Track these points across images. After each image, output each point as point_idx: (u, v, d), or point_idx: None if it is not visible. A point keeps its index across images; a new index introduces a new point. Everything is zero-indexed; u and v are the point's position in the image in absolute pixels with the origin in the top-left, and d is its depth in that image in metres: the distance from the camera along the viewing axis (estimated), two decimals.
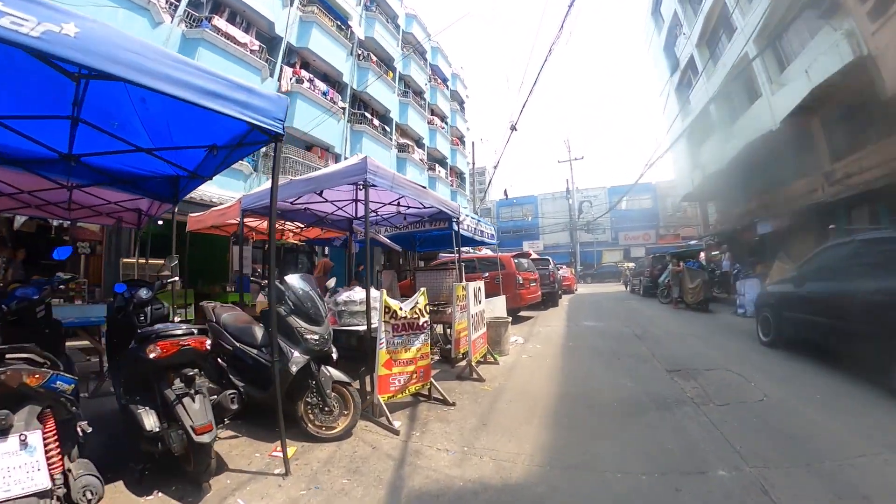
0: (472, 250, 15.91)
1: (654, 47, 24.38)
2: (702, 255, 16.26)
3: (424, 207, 5.75)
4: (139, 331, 3.13)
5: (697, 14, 18.64)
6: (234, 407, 3.02)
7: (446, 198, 6.66)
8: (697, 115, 18.88)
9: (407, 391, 4.19)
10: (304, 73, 16.03)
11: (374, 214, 6.44)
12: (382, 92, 20.39)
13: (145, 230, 6.50)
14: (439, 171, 25.24)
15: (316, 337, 3.63)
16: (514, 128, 11.64)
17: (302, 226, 7.73)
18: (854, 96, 11.51)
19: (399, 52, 22.80)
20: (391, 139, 20.48)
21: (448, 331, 6.29)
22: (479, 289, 5.81)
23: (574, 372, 5.57)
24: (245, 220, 6.87)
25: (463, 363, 5.35)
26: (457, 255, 6.22)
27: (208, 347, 3.02)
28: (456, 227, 6.17)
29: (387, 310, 3.96)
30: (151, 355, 2.77)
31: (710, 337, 7.72)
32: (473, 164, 24.75)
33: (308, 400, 3.55)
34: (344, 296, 4.61)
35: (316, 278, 7.35)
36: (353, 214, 6.60)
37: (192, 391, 2.76)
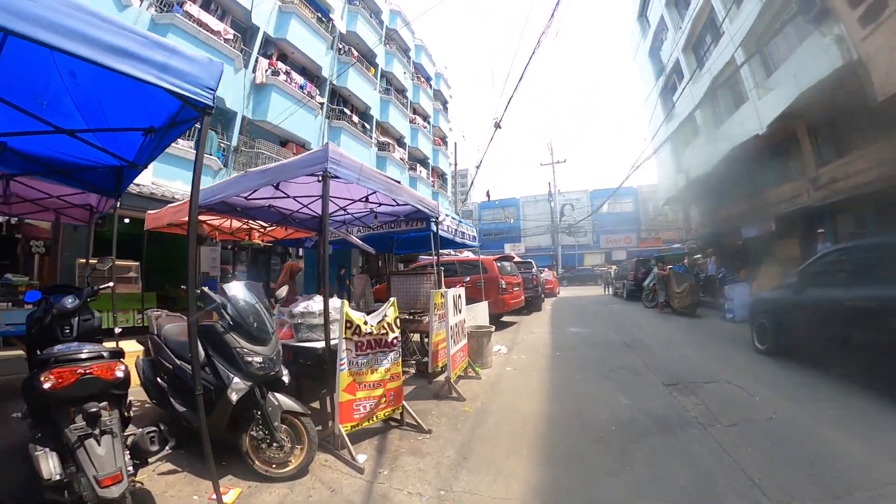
0: (453, 253, 15.42)
1: (639, 52, 24.29)
2: (685, 259, 16.03)
3: (398, 205, 5.18)
4: (38, 353, 2.54)
5: (684, 19, 18.57)
6: (156, 448, 2.44)
7: (424, 195, 6.09)
8: (682, 120, 18.80)
9: (375, 417, 3.61)
10: (280, 65, 15.28)
11: (343, 212, 5.83)
12: (363, 88, 19.73)
13: (106, 228, 5.76)
14: (420, 171, 24.65)
15: (259, 359, 3.04)
16: (498, 125, 11.19)
17: (266, 225, 7.06)
18: (841, 102, 11.48)
19: (382, 48, 22.16)
20: (371, 137, 19.84)
21: (426, 341, 5.73)
22: (460, 296, 5.26)
23: (564, 387, 5.06)
24: (202, 217, 6.23)
25: (441, 378, 4.80)
26: (435, 257, 5.65)
27: (119, 375, 2.41)
28: (434, 228, 5.60)
29: (349, 325, 3.38)
30: (46, 385, 2.18)
31: (702, 345, 7.34)
32: (455, 164, 24.25)
33: (254, 433, 2.96)
34: (301, 306, 3.99)
35: (281, 283, 6.75)
36: (321, 212, 5.98)
37: (97, 431, 2.19)
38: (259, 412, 2.94)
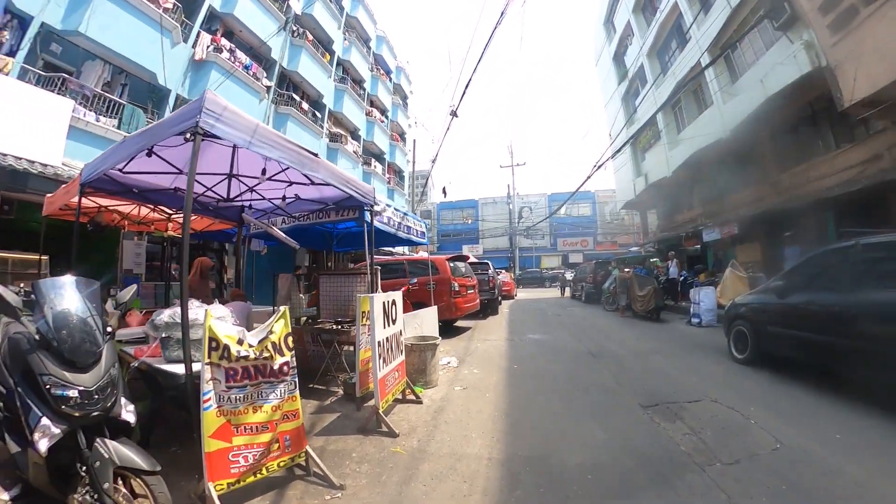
0: (407, 251, 14.34)
1: (603, 57, 24.12)
2: (645, 262, 15.69)
3: (314, 184, 4.08)
4: None
5: (651, 24, 18.48)
6: None
7: (354, 176, 5.02)
8: (643, 125, 18.68)
9: (264, 470, 2.53)
10: (225, 42, 13.72)
11: (259, 198, 4.68)
12: (316, 75, 18.34)
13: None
14: (375, 167, 23.36)
15: (74, 393, 1.95)
16: (454, 114, 10.25)
17: (169, 211, 5.77)
18: (805, 107, 11.49)
19: (340, 35, 20.80)
20: (322, 127, 18.43)
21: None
22: (394, 302, 4.20)
23: (525, 415, 4.10)
24: (94, 198, 4.87)
25: (371, 402, 3.73)
26: (368, 256, 4.57)
27: None
28: (369, 218, 4.54)
29: (214, 344, 2.28)
30: None
31: (674, 354, 6.64)
32: (414, 161, 23.09)
33: (79, 498, 1.93)
34: (166, 315, 2.85)
35: (192, 285, 5.44)
36: (226, 195, 4.77)
37: None
38: (84, 467, 1.89)
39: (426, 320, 6.07)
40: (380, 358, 3.61)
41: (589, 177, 19.65)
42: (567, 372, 5.60)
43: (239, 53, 14.30)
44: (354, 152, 20.52)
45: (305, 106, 17.47)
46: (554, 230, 42.38)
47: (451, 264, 8.82)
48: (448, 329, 8.87)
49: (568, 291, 21.74)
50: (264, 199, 4.95)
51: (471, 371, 5.78)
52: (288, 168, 3.66)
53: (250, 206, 5.88)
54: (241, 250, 6.60)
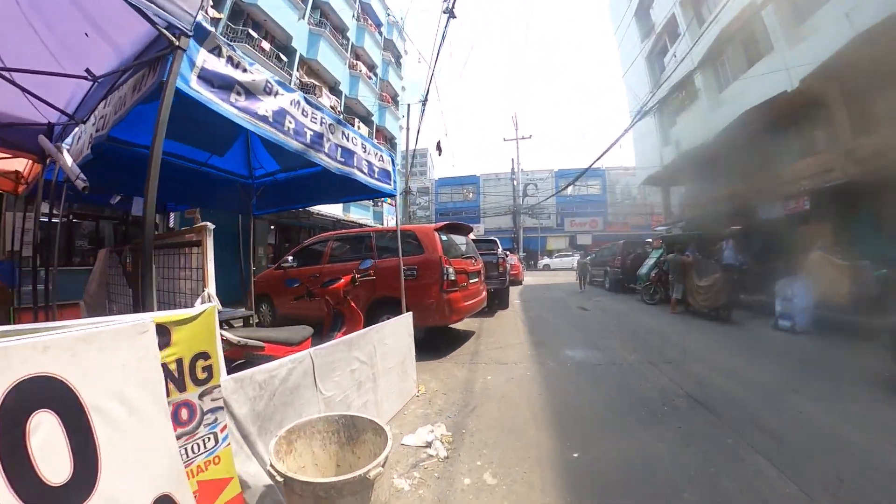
0: (375, 206, 11.15)
1: (624, 18, 20.58)
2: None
3: None
4: None
5: None
6: None
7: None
8: (674, 86, 15.58)
9: None
10: None
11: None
12: (284, 13, 15.03)
13: None
14: (359, 128, 20.03)
15: None
16: (450, 12, 7.11)
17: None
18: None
19: None
20: (291, 74, 15.16)
21: None
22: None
23: None
24: None
25: None
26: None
27: None
28: (235, 113, 1.77)
29: None
30: None
31: (820, 392, 3.67)
32: (408, 128, 19.52)
33: None
34: None
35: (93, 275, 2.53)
36: None
37: None
38: None
39: (390, 351, 3.04)
40: None
41: (606, 151, 16.65)
42: (677, 463, 2.59)
43: None
44: (332, 108, 17.19)
45: (266, 46, 14.16)
46: (560, 209, 39.28)
47: (443, 237, 5.66)
48: (436, 338, 5.85)
49: (587, 278, 18.45)
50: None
51: (478, 477, 2.54)
52: None
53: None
54: (59, 203, 3.52)
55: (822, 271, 7.52)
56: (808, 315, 7.10)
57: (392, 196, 3.75)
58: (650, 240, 13.60)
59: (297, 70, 16.04)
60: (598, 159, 16.86)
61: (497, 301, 9.43)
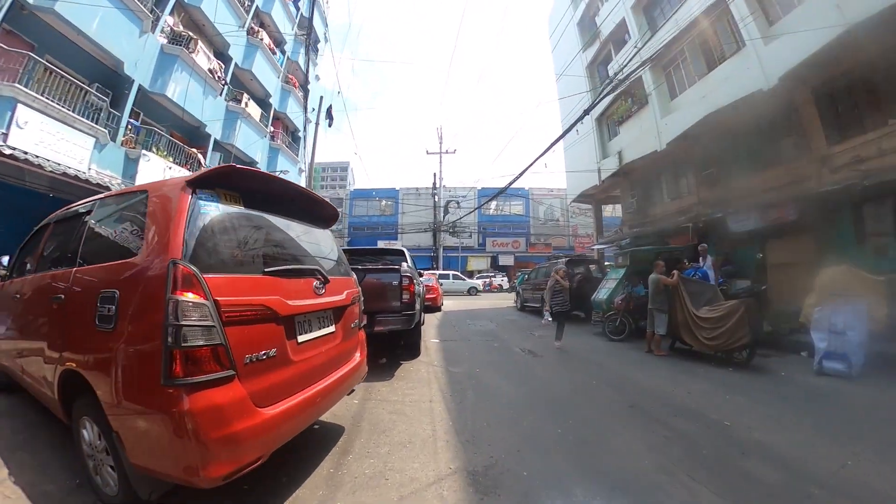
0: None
1: (564, 31, 19.12)
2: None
3: None
4: None
5: None
6: None
7: None
8: (618, 93, 14.14)
9: None
10: None
11: None
12: None
13: None
14: (248, 105, 15.90)
15: None
16: None
17: None
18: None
19: None
20: (158, 17, 11.13)
21: None
22: None
23: None
24: None
25: None
26: None
27: None
28: None
29: None
30: None
31: None
32: (319, 109, 15.68)
33: None
34: None
35: None
36: None
37: None
38: None
39: None
40: None
41: (535, 160, 14.53)
42: None
43: None
44: (210, 71, 13.13)
45: None
46: (483, 228, 37.53)
47: (212, 207, 2.14)
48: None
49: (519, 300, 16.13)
50: None
51: None
52: None
53: None
54: None
55: (851, 290, 5.47)
56: (863, 352, 5.00)
57: None
58: (619, 257, 11.41)
59: (174, 16, 11.98)
60: (525, 170, 15.00)
61: (402, 346, 6.26)
